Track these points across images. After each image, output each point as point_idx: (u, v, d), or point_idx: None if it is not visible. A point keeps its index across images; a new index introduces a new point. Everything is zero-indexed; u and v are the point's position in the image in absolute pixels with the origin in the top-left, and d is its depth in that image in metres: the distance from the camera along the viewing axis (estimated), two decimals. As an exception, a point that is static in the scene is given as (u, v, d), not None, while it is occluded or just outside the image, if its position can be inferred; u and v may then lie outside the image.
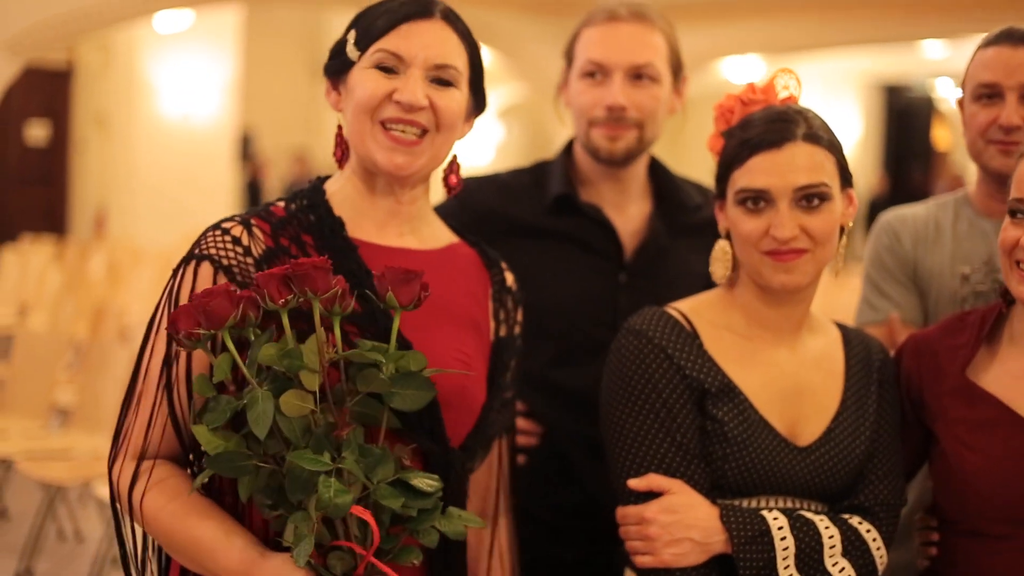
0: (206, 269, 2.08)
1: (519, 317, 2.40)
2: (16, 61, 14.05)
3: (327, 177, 2.26)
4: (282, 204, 2.19)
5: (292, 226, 2.14)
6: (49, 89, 19.06)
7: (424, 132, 2.16)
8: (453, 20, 2.21)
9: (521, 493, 2.68)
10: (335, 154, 2.24)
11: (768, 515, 2.33)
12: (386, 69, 2.14)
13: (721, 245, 2.46)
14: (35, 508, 6.93)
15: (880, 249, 3.10)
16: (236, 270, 2.08)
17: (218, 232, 2.11)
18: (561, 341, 2.86)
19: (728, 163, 2.42)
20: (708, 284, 2.52)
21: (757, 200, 2.36)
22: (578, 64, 2.91)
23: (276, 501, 1.92)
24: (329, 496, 1.83)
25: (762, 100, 2.47)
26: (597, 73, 2.87)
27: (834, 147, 2.41)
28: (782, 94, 2.49)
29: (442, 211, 2.94)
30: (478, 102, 2.29)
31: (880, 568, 2.41)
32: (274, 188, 20.12)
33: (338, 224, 2.15)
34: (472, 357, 2.24)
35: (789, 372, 2.45)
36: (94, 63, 19.14)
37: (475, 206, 2.89)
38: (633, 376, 2.38)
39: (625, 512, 2.37)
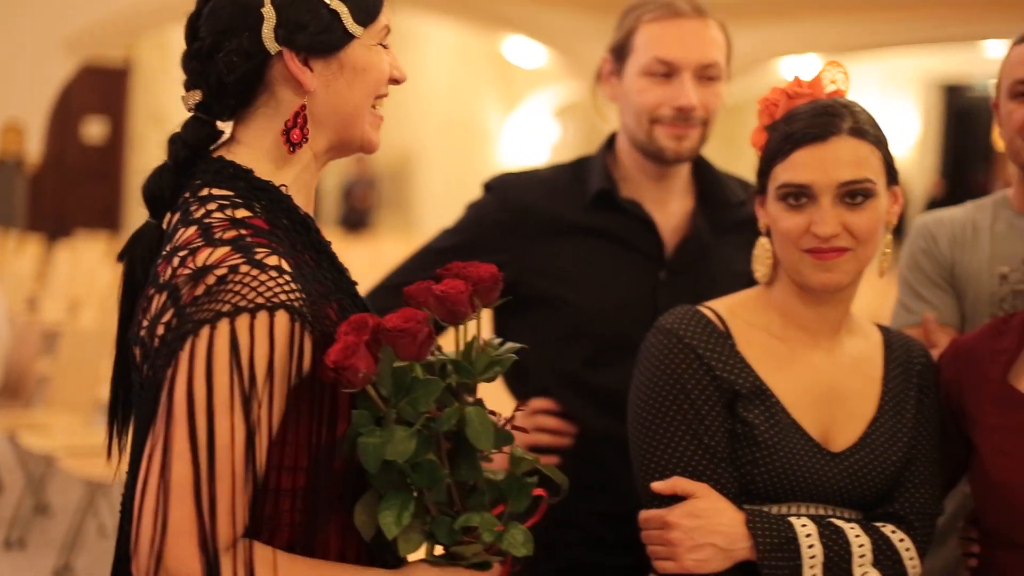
0: (283, 320, 1.75)
1: None
2: (74, 59, 14.18)
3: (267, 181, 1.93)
4: (248, 213, 1.84)
5: (284, 236, 1.86)
6: (107, 87, 19.20)
7: None
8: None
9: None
10: (293, 136, 1.91)
11: (796, 522, 2.25)
12: None
13: (762, 243, 2.39)
14: (76, 504, 6.95)
15: (916, 252, 3.02)
16: (307, 312, 1.78)
17: (269, 272, 1.75)
18: (598, 340, 2.80)
19: (770, 157, 2.34)
20: (750, 282, 2.46)
21: (799, 196, 2.28)
22: (641, 61, 2.83)
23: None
24: None
25: (808, 94, 2.39)
26: (665, 71, 2.80)
27: (880, 142, 2.33)
28: (829, 88, 2.41)
29: (477, 207, 2.89)
30: None
31: None
32: (330, 187, 20.19)
33: (310, 220, 1.95)
34: None
35: (825, 375, 2.37)
36: (151, 61, 19.25)
37: (513, 203, 2.84)
38: (661, 376, 2.31)
39: (647, 516, 2.30)
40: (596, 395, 2.80)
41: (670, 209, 2.88)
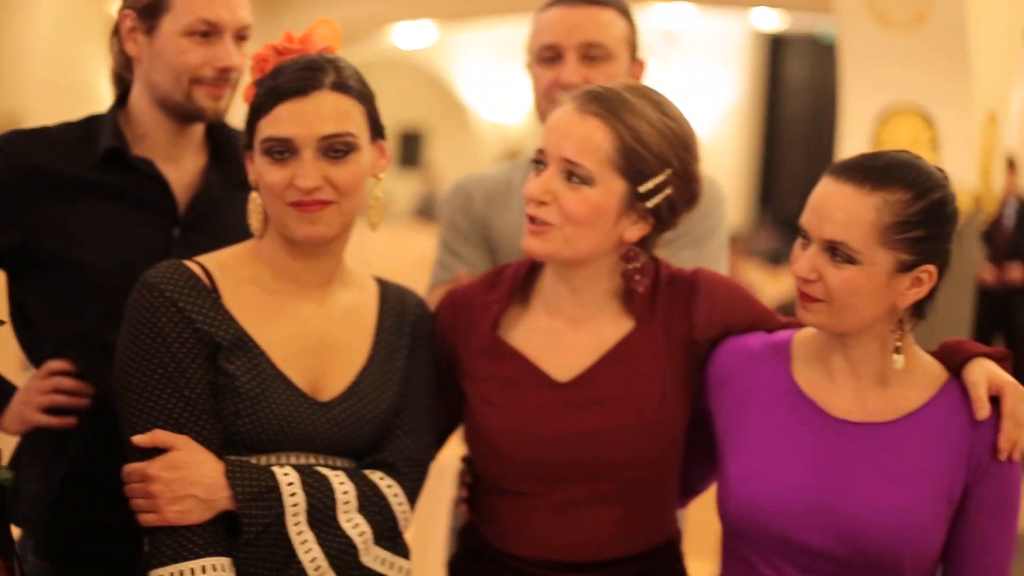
0: None
1: None
2: None
3: None
4: None
5: None
6: None
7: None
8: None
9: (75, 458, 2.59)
10: None
11: (279, 471, 2.28)
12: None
13: (253, 197, 2.40)
14: None
15: (453, 211, 3.12)
16: None
17: None
18: (112, 299, 2.74)
19: (255, 112, 2.35)
20: None
21: (282, 150, 2.31)
22: (182, 21, 2.73)
23: None
24: None
25: (299, 50, 2.41)
26: (206, 31, 2.77)
27: (364, 97, 2.38)
28: (320, 45, 2.44)
29: None
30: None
31: (403, 523, 2.39)
32: None
33: None
34: None
35: (314, 326, 2.40)
36: None
37: (18, 162, 2.74)
38: (142, 330, 2.29)
39: (129, 470, 2.28)
40: (112, 354, 2.75)
41: (184, 166, 2.84)
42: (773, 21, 16.97)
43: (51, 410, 2.67)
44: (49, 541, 2.75)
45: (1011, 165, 10.11)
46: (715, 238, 3.14)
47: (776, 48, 18.57)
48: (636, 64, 3.13)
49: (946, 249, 2.30)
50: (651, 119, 2.39)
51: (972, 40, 6.75)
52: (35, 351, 2.81)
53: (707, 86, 18.14)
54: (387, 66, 21.78)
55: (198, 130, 2.87)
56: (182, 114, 2.80)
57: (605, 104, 2.38)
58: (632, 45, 3.10)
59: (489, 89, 19.07)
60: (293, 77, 2.31)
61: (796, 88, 18.45)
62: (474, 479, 2.58)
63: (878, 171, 2.26)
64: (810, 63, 17.85)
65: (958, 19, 6.67)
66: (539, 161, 2.41)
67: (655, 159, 2.38)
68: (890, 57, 6.92)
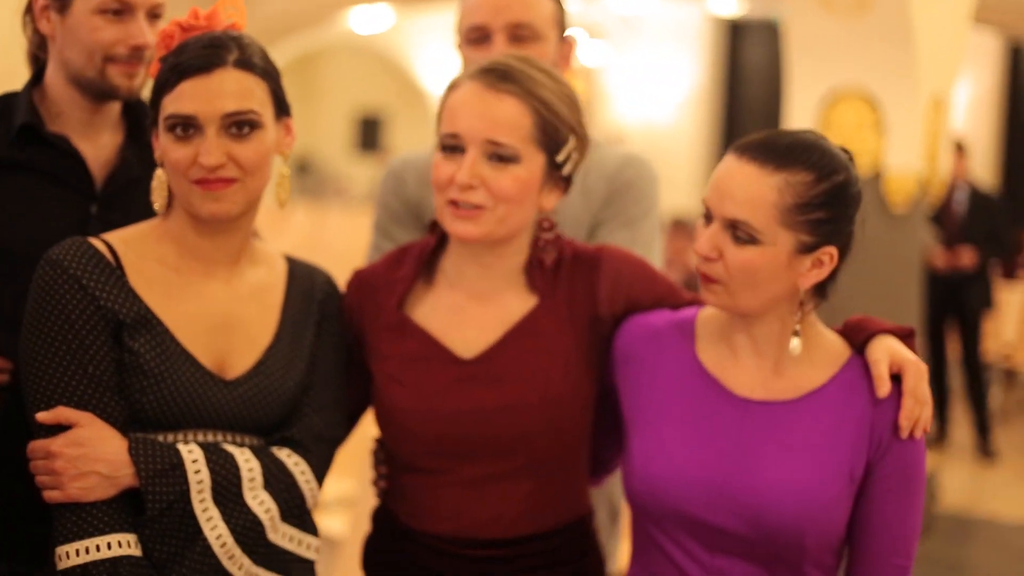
0: None
1: None
2: None
3: None
4: None
5: None
6: None
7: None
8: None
9: None
10: None
11: (183, 448, 2.29)
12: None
13: (158, 174, 2.41)
14: None
15: (386, 194, 3.13)
16: None
17: None
18: (28, 276, 2.74)
19: (159, 88, 2.36)
20: None
21: (186, 127, 2.31)
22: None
23: None
24: None
25: (204, 27, 2.42)
26: (117, 8, 2.76)
27: (269, 75, 2.39)
28: (226, 22, 2.44)
29: None
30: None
31: (311, 500, 2.40)
32: None
33: None
34: None
35: (220, 304, 2.41)
36: None
37: None
38: (45, 307, 2.29)
39: (33, 447, 2.28)
40: None
41: (101, 143, 2.84)
42: (731, 7, 16.98)
43: None
44: None
45: (960, 149, 10.16)
46: (648, 219, 3.14)
47: (734, 34, 18.58)
48: (565, 43, 3.12)
49: (849, 231, 2.30)
50: (553, 89, 2.43)
51: (917, 24, 6.79)
52: None
53: (666, 72, 18.14)
54: (345, 51, 21.75)
55: (114, 107, 2.87)
56: (96, 92, 2.79)
57: (516, 81, 2.40)
58: (561, 24, 3.10)
59: (448, 74, 19.00)
60: (196, 54, 2.32)
61: (754, 73, 18.45)
62: (387, 459, 2.58)
63: (781, 151, 2.25)
64: (768, 49, 17.84)
65: (903, 3, 6.71)
66: (454, 146, 2.42)
67: (565, 128, 2.44)
68: (835, 41, 6.95)
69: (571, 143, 2.45)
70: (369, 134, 22.11)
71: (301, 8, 15.71)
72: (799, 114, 7.08)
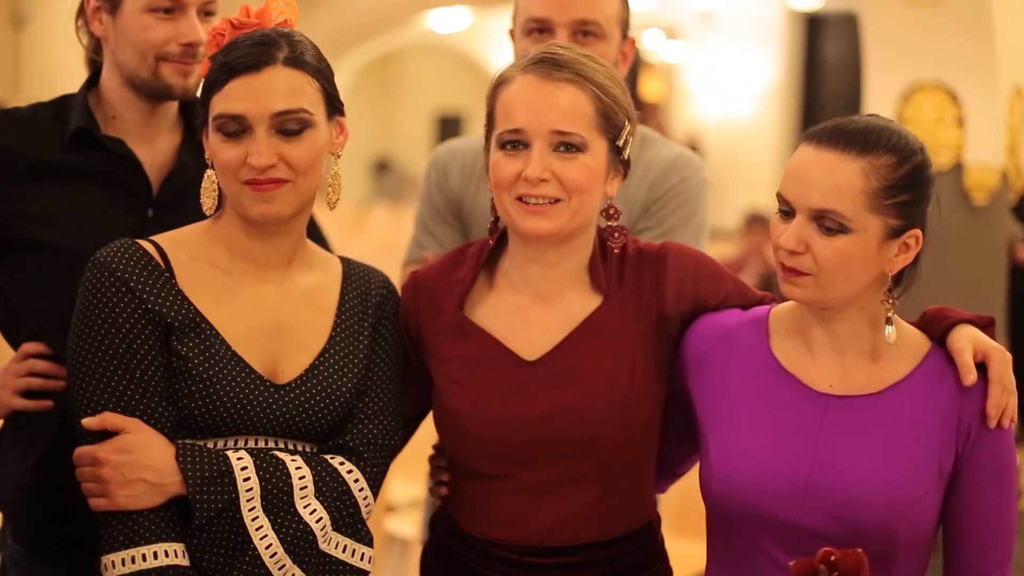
0: None
1: None
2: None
3: None
4: None
5: None
6: None
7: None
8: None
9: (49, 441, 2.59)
10: None
11: (232, 455, 2.24)
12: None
13: (208, 175, 2.36)
14: None
15: (430, 185, 3.08)
16: None
17: None
18: None
19: (208, 88, 2.32)
20: None
21: (236, 127, 2.27)
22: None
23: None
24: None
25: (255, 24, 2.38)
26: (169, 7, 2.74)
27: (321, 73, 2.34)
28: (278, 19, 2.40)
29: None
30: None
31: (365, 510, 2.34)
32: None
33: None
34: None
35: (272, 308, 2.36)
36: None
37: None
38: (94, 310, 2.25)
39: (79, 453, 2.24)
40: None
41: (158, 146, 2.81)
42: (809, 0, 16.85)
43: (29, 393, 2.65)
44: (24, 525, 2.73)
45: (1043, 140, 9.94)
46: (688, 227, 3.07)
47: (812, 27, 18.44)
48: (627, 42, 3.07)
49: (927, 213, 2.26)
50: (605, 73, 2.39)
51: (997, 15, 6.67)
52: (12, 334, 2.80)
53: (744, 67, 18.06)
54: (424, 50, 21.81)
55: (171, 108, 2.84)
56: (150, 92, 2.77)
57: (571, 68, 2.35)
58: (624, 24, 3.05)
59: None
60: (246, 52, 2.27)
61: (833, 68, 18.30)
62: (448, 463, 2.53)
63: (860, 135, 2.21)
64: (847, 42, 17.66)
65: (982, -7, 6.59)
66: (516, 142, 2.35)
67: (622, 111, 2.39)
68: (914, 34, 6.83)
69: (627, 126, 2.40)
70: (448, 133, 22.13)
71: (381, 10, 15.77)
72: (877, 107, 6.93)
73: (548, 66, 2.35)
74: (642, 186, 3.04)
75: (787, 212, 2.24)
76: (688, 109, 18.53)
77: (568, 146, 2.33)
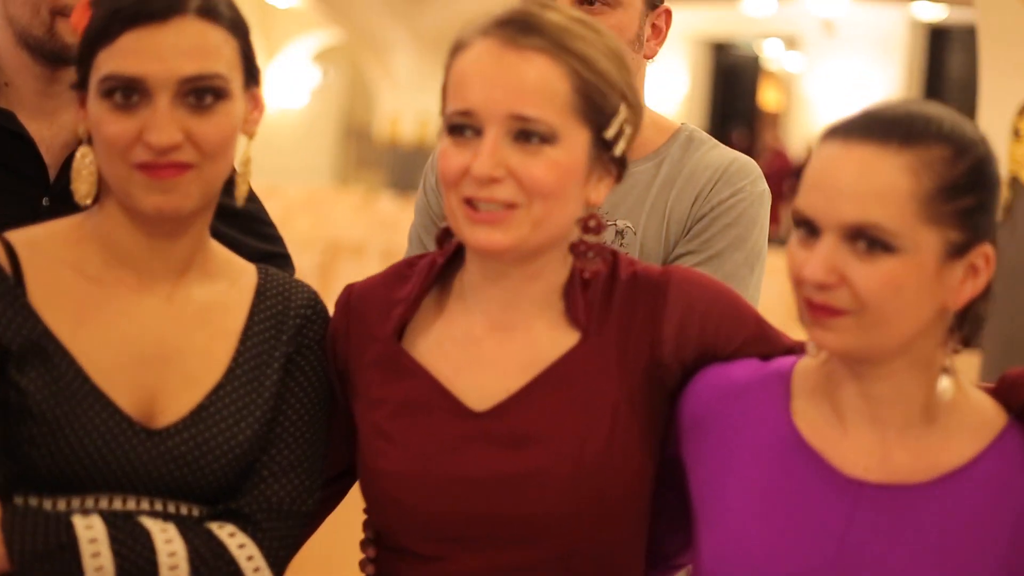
0: None
1: None
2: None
3: None
4: None
5: None
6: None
7: None
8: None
9: None
10: None
11: (80, 522, 1.75)
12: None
13: (83, 153, 1.87)
14: None
15: (424, 189, 2.62)
16: None
17: None
18: None
19: (92, 39, 1.82)
20: None
21: (129, 93, 1.78)
22: None
23: None
24: None
25: None
26: None
27: (239, 29, 1.86)
28: None
29: None
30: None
31: None
32: None
33: None
34: None
35: (154, 329, 1.86)
36: None
37: None
38: None
39: None
40: None
41: (59, 121, 2.38)
42: (934, 11, 16.41)
43: None
44: None
45: None
46: (740, 250, 2.46)
47: (935, 38, 18.09)
48: (658, 13, 2.53)
49: (995, 224, 1.73)
50: (594, 42, 1.83)
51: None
52: None
53: (865, 77, 17.87)
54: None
55: (70, 75, 2.40)
56: (46, 53, 2.34)
57: (543, 32, 1.80)
58: None
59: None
60: None
61: (955, 79, 17.90)
62: (375, 536, 2.00)
63: (901, 122, 1.67)
64: (970, 54, 17.35)
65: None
66: (464, 126, 1.81)
67: (614, 93, 1.84)
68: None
69: (622, 113, 1.84)
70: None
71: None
72: (992, 120, 6.58)
73: (514, 29, 1.80)
74: (684, 199, 2.47)
75: (811, 232, 1.69)
76: (807, 119, 18.30)
77: (530, 135, 1.78)
